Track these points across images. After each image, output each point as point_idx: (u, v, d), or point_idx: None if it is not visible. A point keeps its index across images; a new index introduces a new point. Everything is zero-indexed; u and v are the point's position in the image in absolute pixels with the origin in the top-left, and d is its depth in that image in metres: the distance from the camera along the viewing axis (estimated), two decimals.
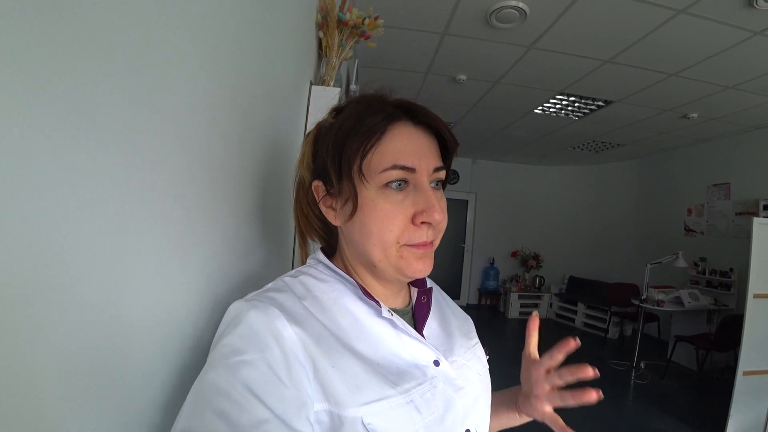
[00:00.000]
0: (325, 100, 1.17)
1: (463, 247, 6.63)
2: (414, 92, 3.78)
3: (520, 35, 2.51)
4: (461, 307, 0.66)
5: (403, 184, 0.47)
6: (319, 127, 0.55)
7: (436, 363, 0.48)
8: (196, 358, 0.50)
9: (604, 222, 6.05)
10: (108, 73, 0.31)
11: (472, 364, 0.55)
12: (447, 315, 0.61)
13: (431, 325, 0.55)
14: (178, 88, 0.42)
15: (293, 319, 0.42)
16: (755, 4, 1.98)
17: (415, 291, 0.58)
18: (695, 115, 3.63)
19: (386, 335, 0.47)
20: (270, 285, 0.49)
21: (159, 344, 0.43)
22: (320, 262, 0.53)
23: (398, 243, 0.47)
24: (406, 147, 0.47)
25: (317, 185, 0.52)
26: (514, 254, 6.52)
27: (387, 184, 0.46)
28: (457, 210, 6.60)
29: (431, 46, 2.78)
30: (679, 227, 4.76)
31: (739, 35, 2.30)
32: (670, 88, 3.11)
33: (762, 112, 3.47)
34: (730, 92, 3.08)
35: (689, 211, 4.66)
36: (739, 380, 2.46)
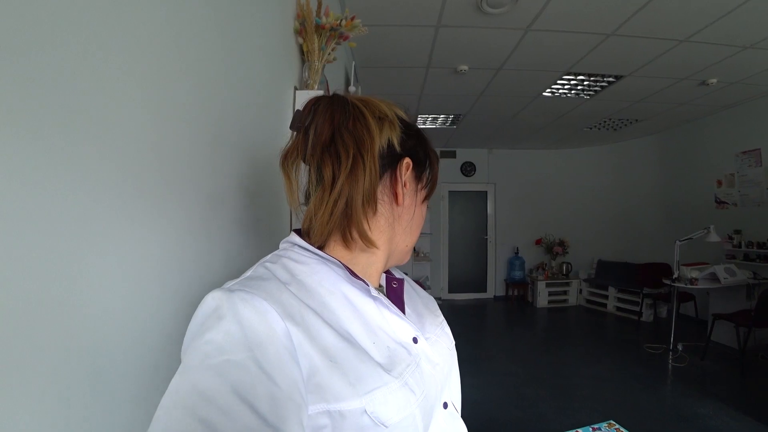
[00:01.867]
0: None
1: (486, 239, 6.53)
2: (418, 88, 3.77)
3: (515, 18, 2.47)
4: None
5: None
6: (402, 111, 0.56)
7: (415, 340, 0.50)
8: (167, 355, 0.52)
9: (629, 201, 5.82)
10: (80, 76, 0.34)
11: (442, 340, 0.57)
12: (413, 296, 0.62)
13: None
14: (157, 94, 0.45)
15: (286, 313, 0.39)
16: None
17: (383, 276, 0.59)
18: (714, 80, 3.45)
19: (372, 314, 0.47)
20: (250, 272, 0.45)
21: (130, 342, 0.45)
22: (295, 244, 0.50)
23: None
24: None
25: (407, 162, 0.53)
26: (538, 242, 6.37)
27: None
28: (476, 202, 6.51)
29: (427, 39, 2.77)
30: (710, 200, 4.53)
31: None
32: (683, 55, 2.97)
33: None
34: (748, 53, 2.91)
35: (719, 183, 4.42)
36: None
